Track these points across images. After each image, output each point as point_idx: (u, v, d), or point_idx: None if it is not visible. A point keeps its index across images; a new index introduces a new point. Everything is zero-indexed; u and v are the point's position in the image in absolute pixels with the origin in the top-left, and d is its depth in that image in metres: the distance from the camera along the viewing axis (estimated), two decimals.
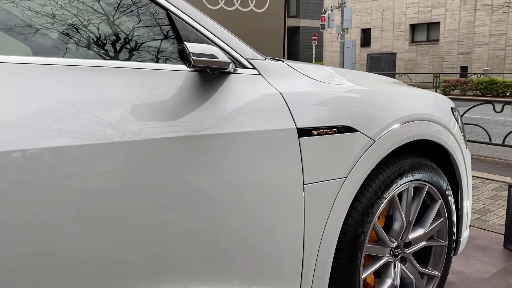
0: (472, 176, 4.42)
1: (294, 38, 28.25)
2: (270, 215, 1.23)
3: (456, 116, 1.86)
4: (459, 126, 1.86)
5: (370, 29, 23.53)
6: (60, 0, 1.10)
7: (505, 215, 3.01)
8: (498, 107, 5.38)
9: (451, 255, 1.87)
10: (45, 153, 0.90)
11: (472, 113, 9.43)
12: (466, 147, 1.91)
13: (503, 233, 2.65)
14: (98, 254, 0.98)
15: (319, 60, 26.35)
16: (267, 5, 4.29)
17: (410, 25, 21.74)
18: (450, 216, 1.80)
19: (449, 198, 1.78)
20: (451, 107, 1.87)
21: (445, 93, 15.86)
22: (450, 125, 1.75)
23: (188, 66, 1.06)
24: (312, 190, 1.29)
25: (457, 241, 1.92)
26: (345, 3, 19.58)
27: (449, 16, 20.22)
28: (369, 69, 19.45)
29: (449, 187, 1.78)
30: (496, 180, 4.26)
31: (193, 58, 1.02)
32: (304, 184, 1.27)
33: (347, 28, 19.77)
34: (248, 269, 1.23)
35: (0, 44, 1.05)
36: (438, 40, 20.83)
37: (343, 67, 19.28)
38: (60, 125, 0.92)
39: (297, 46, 28.50)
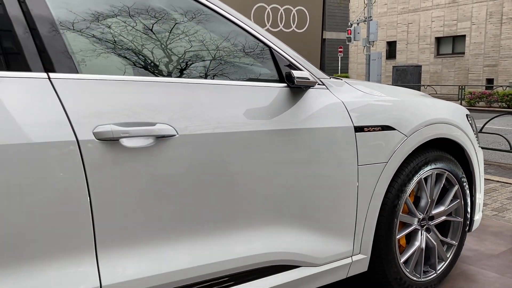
0: (493, 180, 4.88)
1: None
2: (337, 187, 1.78)
3: (470, 121, 2.39)
4: (473, 129, 2.39)
5: (395, 42, 23.92)
6: (195, 37, 1.68)
7: None
8: None
9: (466, 230, 2.38)
10: (202, 138, 1.47)
11: (498, 124, 9.79)
12: (479, 146, 2.42)
13: None
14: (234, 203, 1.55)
15: (345, 71, 26.80)
16: (306, 26, 4.87)
17: (436, 38, 22.05)
18: (465, 198, 2.32)
19: (464, 184, 2.30)
20: (466, 114, 2.40)
21: (470, 105, 16.11)
22: (465, 127, 2.28)
23: (292, 84, 1.64)
24: (363, 170, 1.85)
25: (471, 221, 2.43)
26: (371, 17, 20.08)
27: (474, 30, 20.48)
28: (395, 81, 19.83)
29: (464, 176, 2.31)
30: None
31: (296, 79, 1.60)
32: (358, 165, 1.83)
33: (373, 41, 20.23)
34: (319, 225, 1.78)
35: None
36: (463, 53, 21.06)
37: (369, 79, 19.71)
38: (216, 123, 1.50)
39: (323, 58, 28.97)
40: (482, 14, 20.22)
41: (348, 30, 21.17)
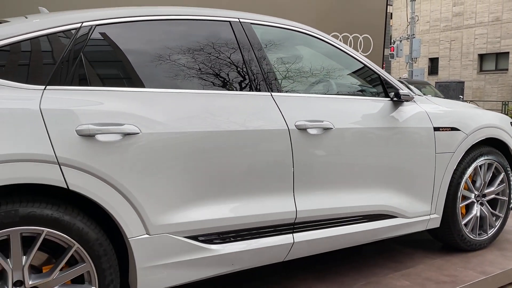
0: None
1: None
2: (422, 166, 2.70)
3: None
4: None
5: (437, 58, 24.43)
6: (334, 67, 2.67)
7: None
8: None
9: (510, 207, 3.24)
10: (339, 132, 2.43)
11: None
12: None
13: None
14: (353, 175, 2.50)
15: None
16: (370, 50, 5.80)
17: (479, 55, 22.44)
18: (509, 183, 3.19)
19: (509, 172, 3.17)
20: (510, 122, 3.27)
21: None
22: (509, 130, 3.15)
23: (399, 99, 2.59)
24: (439, 156, 2.76)
25: None
26: (414, 34, 20.75)
27: None
28: (438, 97, 20.29)
29: (509, 166, 3.17)
30: None
31: (402, 96, 2.56)
32: (436, 153, 2.75)
33: (416, 58, 20.87)
34: (411, 191, 2.70)
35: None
36: (507, 69, 21.36)
37: None
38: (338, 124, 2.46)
39: None
40: None
41: (391, 47, 21.88)
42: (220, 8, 2.40)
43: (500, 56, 21.71)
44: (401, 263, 2.88)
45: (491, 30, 21.79)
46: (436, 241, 3.18)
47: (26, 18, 1.95)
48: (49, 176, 1.66)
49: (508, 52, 21.26)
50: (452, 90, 20.09)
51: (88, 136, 1.73)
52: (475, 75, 22.72)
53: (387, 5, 6.15)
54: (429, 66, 24.90)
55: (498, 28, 21.50)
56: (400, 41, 22.00)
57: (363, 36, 5.72)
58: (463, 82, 20.66)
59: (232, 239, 2.11)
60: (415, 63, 21.73)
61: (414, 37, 20.91)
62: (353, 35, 5.62)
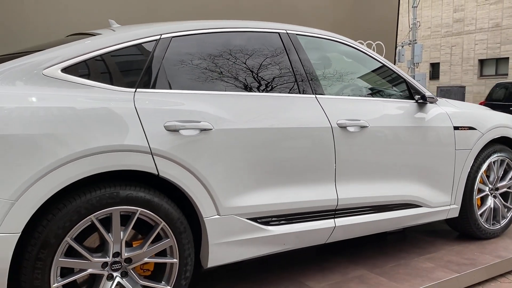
0: None
1: None
2: (443, 163, 3.03)
3: None
4: None
5: (438, 63, 24.84)
6: (366, 73, 3.00)
7: None
8: None
9: None
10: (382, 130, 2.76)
11: None
12: None
13: None
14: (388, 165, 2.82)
15: None
16: (383, 55, 6.14)
17: (479, 60, 22.86)
18: None
19: None
20: None
21: None
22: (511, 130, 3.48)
23: (424, 101, 2.92)
24: (458, 153, 3.09)
25: None
26: (415, 40, 21.15)
27: None
28: None
29: None
30: None
31: (428, 98, 2.90)
32: (455, 149, 3.08)
33: (418, 63, 21.26)
34: (434, 183, 3.02)
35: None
36: (507, 74, 21.76)
37: None
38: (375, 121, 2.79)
39: None
40: None
41: None
42: (244, 15, 2.72)
43: (500, 61, 22.13)
44: (424, 249, 3.20)
45: (491, 36, 22.21)
46: (453, 231, 3.51)
47: (114, 31, 2.28)
48: (144, 164, 1.98)
49: (507, 58, 21.67)
50: (453, 95, 20.48)
51: (174, 131, 2.06)
52: (475, 80, 23.12)
53: (398, 13, 6.50)
54: (430, 71, 25.31)
55: (498, 34, 21.94)
56: (402, 46, 22.38)
57: (376, 43, 6.07)
58: (464, 87, 21.07)
59: (284, 222, 2.43)
60: (416, 68, 22.12)
61: (416, 43, 21.31)
62: (367, 42, 5.95)
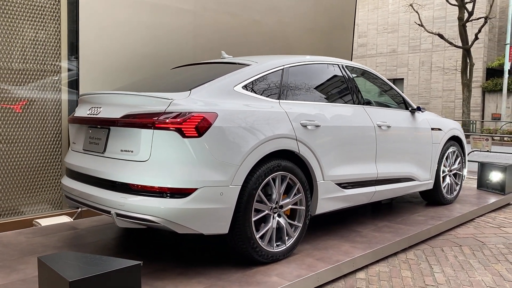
0: None
1: None
2: (426, 151, 4.60)
3: (461, 129, 5.35)
4: (464, 134, 5.35)
5: None
6: (375, 90, 4.49)
7: None
8: None
9: (463, 175, 5.31)
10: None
11: None
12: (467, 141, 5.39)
13: None
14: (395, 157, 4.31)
15: None
16: None
17: None
18: (463, 163, 5.26)
19: (463, 156, 5.24)
20: (460, 126, 5.35)
21: None
22: (461, 131, 5.22)
23: (416, 110, 4.47)
24: (434, 145, 4.70)
25: (462, 175, 5.36)
26: None
27: (410, 74, 24.90)
28: None
29: (463, 152, 5.25)
30: None
31: (422, 109, 4.45)
32: (432, 143, 4.68)
33: None
34: (421, 165, 4.57)
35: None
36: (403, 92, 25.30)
37: None
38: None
39: None
40: (416, 62, 24.70)
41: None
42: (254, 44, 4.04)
43: (397, 81, 25.72)
44: (405, 213, 4.74)
45: (389, 60, 25.75)
46: (418, 207, 5.13)
47: (257, 63, 3.46)
48: (292, 146, 3.20)
49: (402, 78, 25.29)
50: None
51: (304, 126, 3.31)
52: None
53: (353, 39, 8.22)
54: None
55: (395, 58, 25.51)
56: None
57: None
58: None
59: (351, 187, 3.77)
60: None
61: None
62: None
